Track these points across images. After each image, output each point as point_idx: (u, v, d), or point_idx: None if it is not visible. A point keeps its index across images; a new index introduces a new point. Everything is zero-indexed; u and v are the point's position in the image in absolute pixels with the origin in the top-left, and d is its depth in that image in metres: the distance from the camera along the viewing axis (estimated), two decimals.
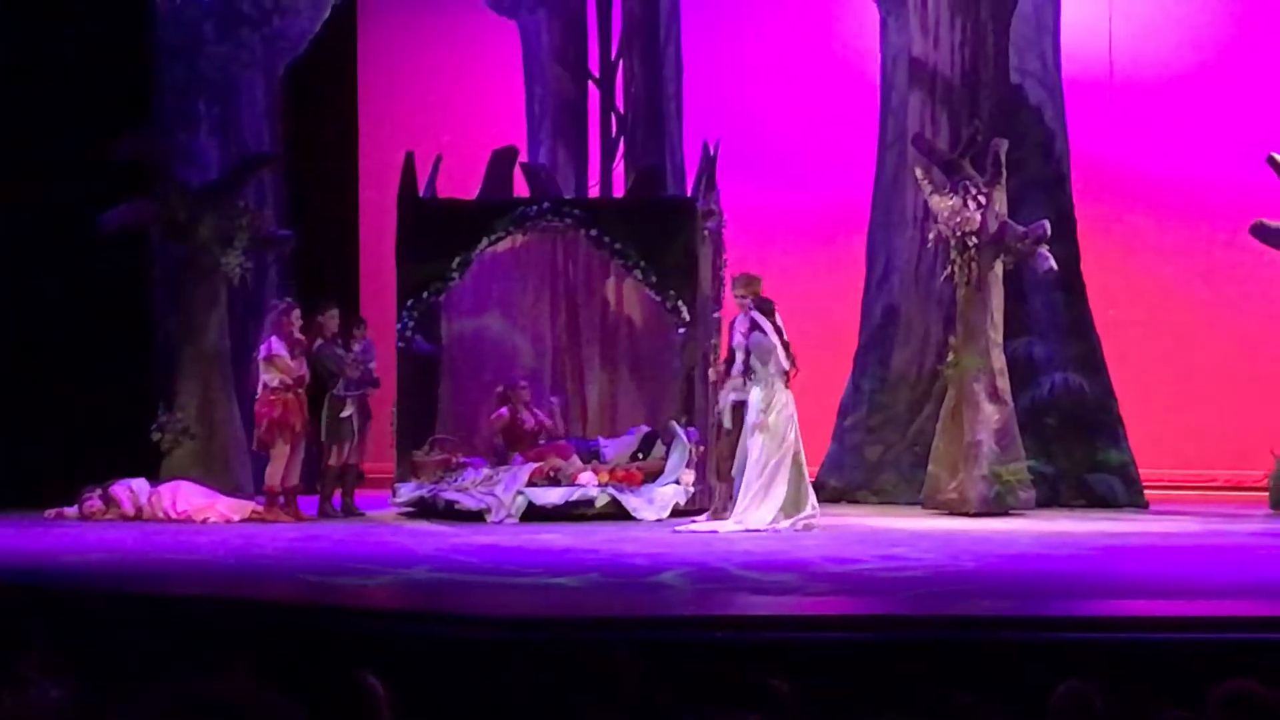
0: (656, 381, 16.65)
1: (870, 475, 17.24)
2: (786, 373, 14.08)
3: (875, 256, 17.94)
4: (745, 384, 14.21)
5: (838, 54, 19.31)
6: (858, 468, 17.34)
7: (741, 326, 14.38)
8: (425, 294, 15.92)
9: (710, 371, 15.10)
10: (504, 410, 16.18)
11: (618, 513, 14.98)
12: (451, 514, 15.08)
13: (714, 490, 14.86)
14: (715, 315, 15.44)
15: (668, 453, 15.74)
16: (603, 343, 17.01)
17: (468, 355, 17.01)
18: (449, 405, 16.87)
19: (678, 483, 15.34)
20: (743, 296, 14.39)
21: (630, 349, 16.93)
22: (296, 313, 15.40)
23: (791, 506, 14.00)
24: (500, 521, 14.81)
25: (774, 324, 14.11)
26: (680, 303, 15.44)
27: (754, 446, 14.01)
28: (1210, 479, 17.81)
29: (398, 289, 16.02)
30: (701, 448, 15.27)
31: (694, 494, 15.24)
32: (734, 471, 14.23)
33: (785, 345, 14.09)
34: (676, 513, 15.01)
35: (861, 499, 17.03)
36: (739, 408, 14.36)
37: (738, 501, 14.10)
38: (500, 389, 16.30)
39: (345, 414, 15.68)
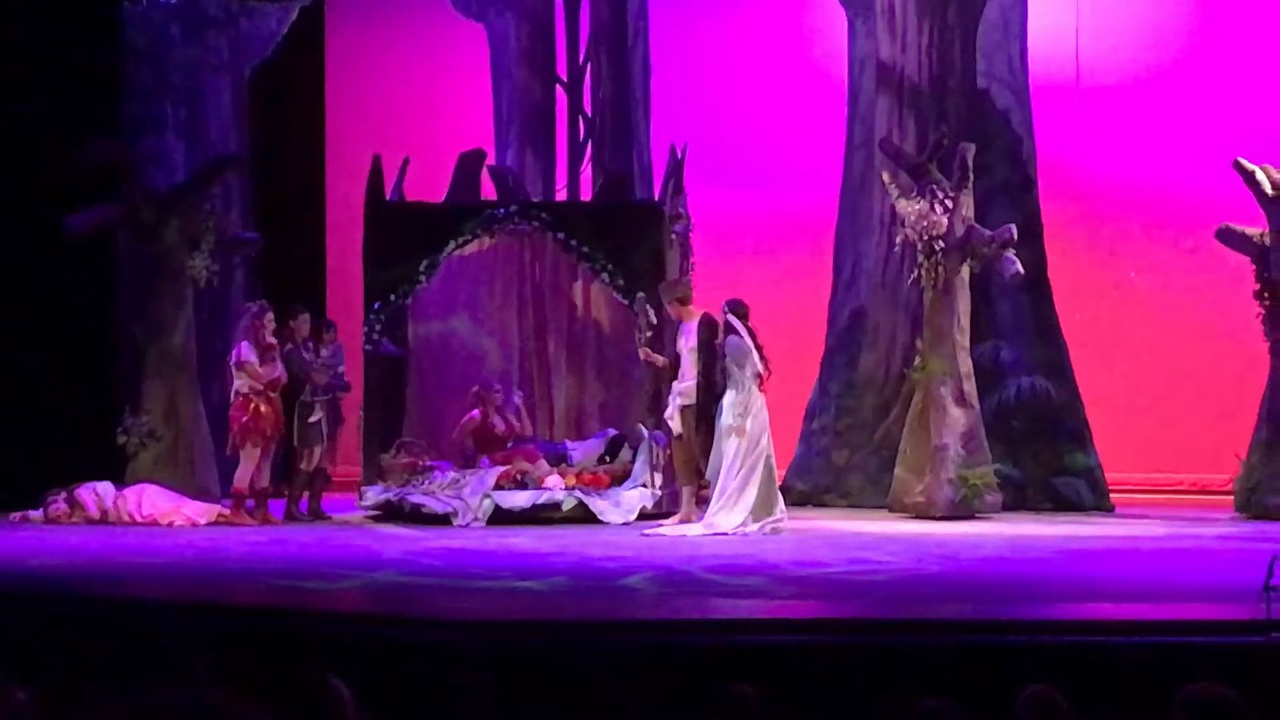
0: (623, 385, 16.67)
1: (837, 478, 17.25)
2: (760, 375, 14.09)
3: (842, 260, 17.95)
4: (692, 387, 14.28)
5: (805, 57, 19.32)
6: (825, 471, 17.35)
7: (684, 332, 14.43)
8: (392, 297, 15.90)
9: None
10: (476, 412, 16.16)
11: (584, 516, 14.97)
12: (418, 517, 15.05)
13: (681, 494, 14.85)
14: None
15: (634, 456, 15.75)
16: (570, 346, 17.02)
17: (435, 358, 17.00)
18: (416, 408, 16.85)
19: (644, 486, 15.34)
20: (670, 303, 14.55)
21: (597, 352, 16.94)
22: (269, 316, 15.33)
23: (760, 510, 13.99)
24: (467, 525, 14.78)
25: (747, 327, 14.13)
26: (648, 306, 15.45)
27: (729, 449, 14.00)
28: (1176, 483, 17.85)
29: (365, 292, 15.99)
30: (668, 451, 15.26)
31: (660, 497, 15.25)
32: (709, 475, 14.23)
33: (758, 349, 14.11)
34: (643, 516, 15.01)
35: (828, 502, 17.04)
36: (687, 411, 14.39)
37: (711, 504, 14.10)
38: (475, 390, 16.28)
39: (314, 419, 15.64)
